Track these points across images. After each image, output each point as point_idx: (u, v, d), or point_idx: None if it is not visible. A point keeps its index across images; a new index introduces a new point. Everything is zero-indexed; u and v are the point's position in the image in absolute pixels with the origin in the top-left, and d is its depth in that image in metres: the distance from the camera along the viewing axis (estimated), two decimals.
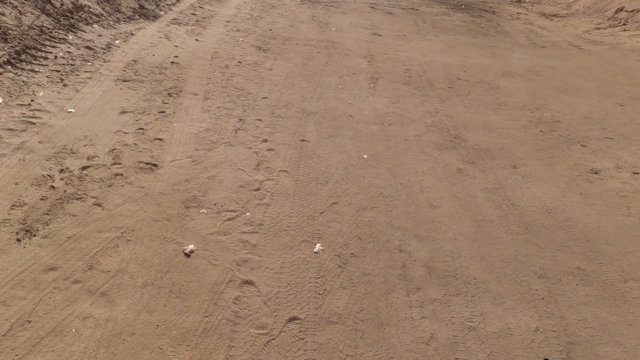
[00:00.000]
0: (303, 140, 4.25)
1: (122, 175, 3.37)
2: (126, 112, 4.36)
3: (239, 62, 6.29)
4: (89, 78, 4.89)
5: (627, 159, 4.36)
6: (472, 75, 6.84)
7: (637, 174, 4.06)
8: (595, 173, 4.07)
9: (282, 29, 8.67)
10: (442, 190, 3.59)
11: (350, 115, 4.93)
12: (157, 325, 2.17)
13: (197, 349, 2.08)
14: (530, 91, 6.28)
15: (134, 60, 5.67)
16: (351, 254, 2.80)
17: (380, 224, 3.10)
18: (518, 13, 13.29)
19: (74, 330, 2.11)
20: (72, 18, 6.16)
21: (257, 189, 3.37)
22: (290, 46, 7.50)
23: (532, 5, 14.50)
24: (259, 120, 4.56)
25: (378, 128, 4.68)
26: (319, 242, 2.86)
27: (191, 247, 2.71)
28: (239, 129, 4.31)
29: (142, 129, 4.10)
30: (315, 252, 2.78)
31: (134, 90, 4.86)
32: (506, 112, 5.45)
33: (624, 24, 10.03)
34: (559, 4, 13.80)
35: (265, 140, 4.15)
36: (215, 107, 4.76)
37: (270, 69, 6.20)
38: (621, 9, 10.76)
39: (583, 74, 7.18)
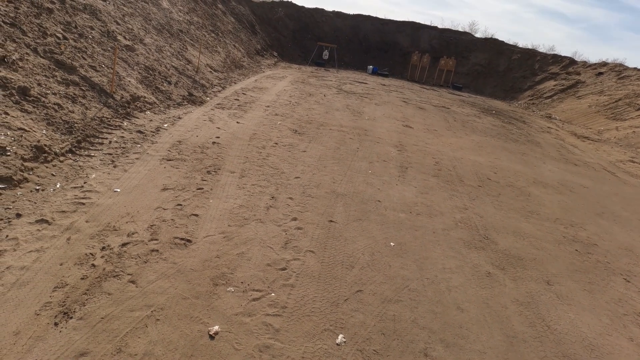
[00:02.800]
0: (331, 221, 4.32)
1: (157, 251, 3.42)
2: (167, 189, 4.53)
3: (275, 144, 6.66)
4: (137, 159, 5.20)
5: None
6: (503, 178, 6.94)
7: None
8: None
9: (317, 115, 9.25)
10: (470, 293, 3.49)
11: (379, 201, 5.02)
12: None
13: None
14: (564, 206, 6.17)
15: (179, 141, 6.08)
16: (374, 350, 2.70)
17: (405, 321, 3.01)
18: (549, 127, 13.70)
19: None
20: (129, 107, 6.81)
21: (284, 269, 3.38)
22: (324, 131, 7.94)
23: (563, 124, 14.97)
24: (290, 198, 4.70)
25: (406, 216, 4.72)
26: (341, 333, 2.79)
27: (216, 328, 2.68)
28: (270, 207, 4.44)
29: (180, 204, 4.23)
30: (337, 344, 2.69)
31: (177, 168, 5.12)
32: (538, 222, 5.37)
33: None
34: (590, 128, 14.23)
35: (295, 219, 4.24)
36: (250, 184, 4.96)
37: (304, 151, 6.51)
38: None
39: (620, 202, 6.93)
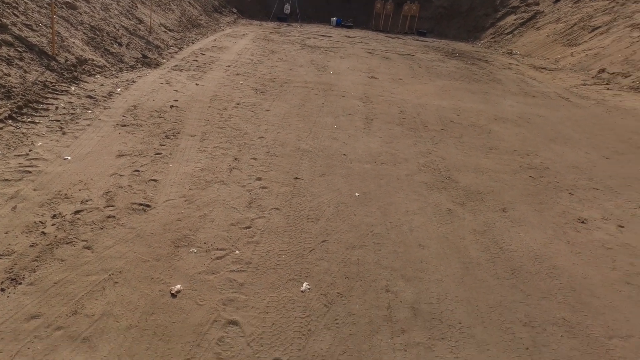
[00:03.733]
0: (296, 178, 4.35)
1: (114, 217, 3.41)
2: (123, 155, 4.46)
3: (237, 104, 6.52)
4: (89, 125, 5.03)
5: (613, 211, 4.38)
6: (465, 119, 7.07)
7: (622, 227, 4.08)
8: (582, 222, 4.10)
9: (281, 72, 9.04)
10: (431, 231, 3.65)
11: (344, 154, 5.07)
12: None
13: None
14: (521, 137, 6.47)
15: (134, 106, 5.87)
16: (338, 293, 2.82)
17: (368, 263, 3.14)
18: (510, 63, 13.83)
19: None
20: (76, 71, 6.45)
21: (248, 227, 3.43)
22: (288, 88, 7.80)
23: (523, 58, 15.19)
24: (254, 159, 4.69)
25: (371, 167, 4.79)
26: (306, 281, 2.89)
27: (178, 287, 2.74)
28: (233, 168, 4.42)
29: (138, 170, 4.19)
30: (302, 291, 2.80)
31: (132, 134, 5.00)
32: (497, 156, 5.60)
33: (607, 83, 10.55)
34: (547, 59, 14.50)
35: (259, 179, 4.25)
36: (212, 147, 4.90)
37: (268, 110, 6.42)
38: (603, 70, 11.35)
39: (572, 125, 7.40)
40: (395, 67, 11.14)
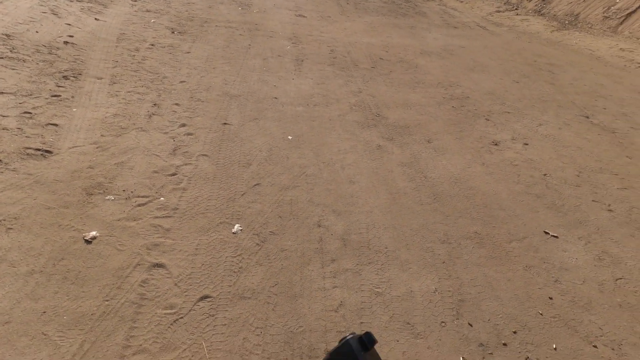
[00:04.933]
0: (225, 123, 4.19)
1: (1, 161, 3.11)
2: (3, 93, 3.98)
3: (152, 45, 5.99)
4: None
5: (520, 131, 4.86)
6: (394, 55, 7.14)
7: (527, 144, 4.57)
8: (496, 144, 4.49)
9: (199, 10, 8.36)
10: (362, 167, 3.75)
11: (275, 98, 4.94)
12: (44, 312, 2.08)
13: (92, 332, 2.02)
14: (445, 69, 6.74)
15: (7, 35, 5.14)
16: (270, 232, 2.85)
17: (301, 202, 3.18)
18: None
19: None
20: None
21: (174, 174, 3.29)
22: (209, 28, 7.28)
23: None
24: (177, 104, 4.42)
25: (303, 109, 4.74)
26: (238, 223, 2.88)
27: (93, 233, 2.60)
28: (153, 114, 4.14)
29: (29, 112, 3.79)
30: (233, 233, 2.79)
31: (13, 69, 4.42)
32: (423, 89, 5.79)
33: (516, 9, 11.14)
34: None
35: (184, 125, 4.03)
36: (125, 91, 4.52)
37: (189, 52, 5.98)
38: None
39: (488, 53, 7.88)
40: (323, 5, 10.79)
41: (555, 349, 2.29)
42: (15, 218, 2.63)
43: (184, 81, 5.00)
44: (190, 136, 3.87)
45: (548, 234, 3.19)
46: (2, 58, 4.56)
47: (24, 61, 4.66)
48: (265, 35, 7.36)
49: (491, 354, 2.21)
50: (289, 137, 4.11)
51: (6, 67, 4.40)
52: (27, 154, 3.25)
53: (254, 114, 4.46)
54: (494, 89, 6.05)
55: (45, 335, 1.98)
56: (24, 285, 2.20)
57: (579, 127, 5.12)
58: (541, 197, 3.66)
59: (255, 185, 3.31)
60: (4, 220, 2.60)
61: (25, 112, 3.77)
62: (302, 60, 6.36)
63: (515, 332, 2.35)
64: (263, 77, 5.52)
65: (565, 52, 8.47)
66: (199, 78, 5.16)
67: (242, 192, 3.21)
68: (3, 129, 3.47)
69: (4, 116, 3.64)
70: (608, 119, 5.41)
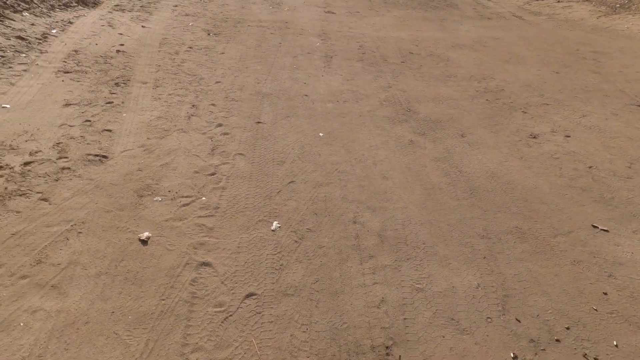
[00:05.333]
0: (258, 122, 4.25)
1: (69, 168, 3.28)
2: (70, 104, 4.20)
3: (190, 48, 6.13)
4: (25, 71, 4.63)
5: (561, 123, 4.65)
6: (424, 49, 6.99)
7: (568, 136, 4.37)
8: (534, 137, 4.33)
9: (233, 11, 8.48)
10: (394, 162, 3.72)
11: (306, 95, 4.96)
12: (113, 312, 2.19)
13: (154, 330, 2.12)
14: (478, 62, 6.53)
15: (75, 51, 5.42)
16: (307, 229, 2.88)
17: (335, 199, 3.19)
18: None
19: (22, 324, 2.09)
20: None
21: (213, 174, 3.37)
22: (242, 28, 7.36)
23: None
24: (213, 105, 4.51)
25: (333, 106, 4.74)
26: (275, 221, 2.93)
27: (147, 234, 2.71)
28: (192, 115, 4.25)
29: (89, 120, 3.98)
30: (272, 230, 2.84)
31: (78, 81, 4.67)
32: (455, 83, 5.65)
33: None
34: None
35: (220, 125, 4.12)
36: (167, 94, 4.66)
37: (223, 53, 6.09)
38: None
39: (524, 44, 7.55)
40: (352, 0, 10.68)
41: (616, 345, 2.20)
42: (83, 222, 2.77)
43: (219, 82, 5.10)
44: (226, 136, 3.95)
45: (597, 227, 3.06)
46: (70, 72, 4.84)
47: (85, 72, 4.91)
48: (295, 33, 7.37)
49: (544, 350, 2.16)
50: (320, 134, 4.12)
51: (72, 80, 4.66)
52: (89, 160, 3.42)
53: (285, 112, 4.50)
54: (531, 81, 5.82)
55: (116, 334, 2.09)
56: (94, 287, 2.33)
57: (630, 116, 4.85)
58: (587, 190, 3.51)
59: (289, 182, 3.35)
60: (75, 225, 2.75)
61: (86, 121, 3.97)
62: (331, 57, 6.34)
63: (568, 328, 2.27)
64: (293, 74, 5.54)
65: (614, 38, 7.99)
66: (232, 78, 5.25)
67: (278, 190, 3.25)
68: (70, 138, 3.66)
69: (71, 126, 3.85)
70: None
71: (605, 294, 2.50)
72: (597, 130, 4.49)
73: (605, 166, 3.85)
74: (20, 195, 2.94)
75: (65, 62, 5.08)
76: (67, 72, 4.84)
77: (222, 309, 2.25)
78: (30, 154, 3.36)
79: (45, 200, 2.93)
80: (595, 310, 2.39)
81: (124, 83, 4.81)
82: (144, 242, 2.66)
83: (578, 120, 4.72)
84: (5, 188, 2.97)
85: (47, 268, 2.41)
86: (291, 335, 2.14)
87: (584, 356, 2.12)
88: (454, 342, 2.16)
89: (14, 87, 4.28)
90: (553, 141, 4.27)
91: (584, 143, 4.23)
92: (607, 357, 2.13)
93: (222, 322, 2.18)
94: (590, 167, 3.82)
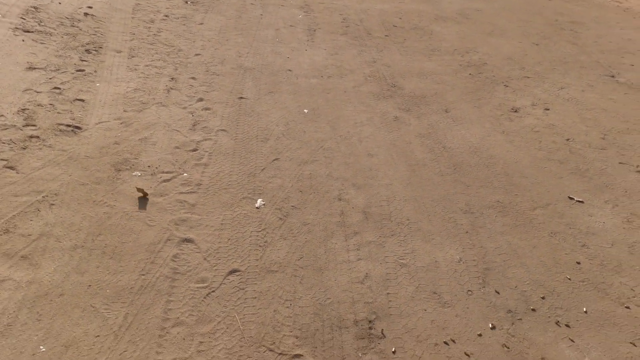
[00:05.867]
0: (241, 97, 4.12)
1: (38, 137, 3.14)
2: (35, 68, 3.96)
3: (166, 16, 5.83)
4: None
5: (541, 96, 4.68)
6: (407, 22, 6.85)
7: (548, 109, 4.41)
8: (515, 111, 4.35)
9: None
10: (379, 139, 3.68)
11: (289, 70, 4.82)
12: (89, 286, 2.14)
13: (133, 305, 2.08)
14: (461, 35, 6.45)
15: (34, 7, 5.05)
16: (292, 206, 2.84)
17: (320, 176, 3.15)
18: None
19: None
20: None
21: (195, 150, 3.27)
22: None
23: None
24: (193, 78, 4.34)
25: (317, 81, 4.62)
26: (260, 198, 2.87)
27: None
28: (171, 89, 4.08)
29: (58, 88, 3.78)
30: (256, 208, 2.79)
31: (42, 43, 4.39)
32: (439, 57, 5.58)
33: None
34: None
35: (201, 100, 3.98)
36: (143, 65, 4.44)
37: (202, 23, 5.82)
38: None
39: (507, 15, 7.50)
40: None
41: (585, 312, 2.28)
42: (55, 194, 2.67)
43: (199, 54, 4.90)
44: (207, 111, 3.81)
45: (573, 199, 3.13)
46: (31, 32, 4.52)
47: (50, 34, 4.61)
48: (276, 4, 7.10)
49: (520, 319, 2.22)
50: (305, 110, 4.03)
51: (35, 42, 4.37)
52: (60, 130, 3.26)
53: (269, 87, 4.37)
54: (512, 54, 5.81)
55: (93, 307, 2.04)
56: (70, 260, 2.26)
57: (604, 87, 4.91)
58: (564, 162, 3.57)
59: (274, 160, 3.28)
60: (47, 196, 2.64)
61: (55, 88, 3.77)
62: (315, 30, 6.15)
63: (543, 298, 2.34)
64: (276, 48, 5.36)
65: (590, 7, 8.02)
66: (213, 50, 5.04)
67: (262, 167, 3.18)
68: (38, 105, 3.48)
69: (37, 92, 3.65)
70: (636, 76, 5.17)
71: (579, 263, 2.58)
72: (574, 102, 4.55)
73: (582, 138, 3.91)
74: None
75: (24, 18, 4.72)
76: (28, 32, 4.52)
77: (205, 284, 2.21)
78: None
79: (11, 168, 2.80)
80: (569, 279, 2.46)
81: (95, 50, 4.55)
82: (125, 215, 2.57)
83: (557, 92, 4.76)
84: None
85: (15, 238, 2.32)
86: (274, 311, 2.12)
87: (556, 323, 2.20)
88: (436, 315, 2.19)
89: None
90: (533, 114, 4.30)
91: (562, 116, 4.28)
92: (577, 323, 2.22)
93: (204, 297, 2.14)
94: (567, 140, 3.88)
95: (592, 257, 2.63)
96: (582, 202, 3.10)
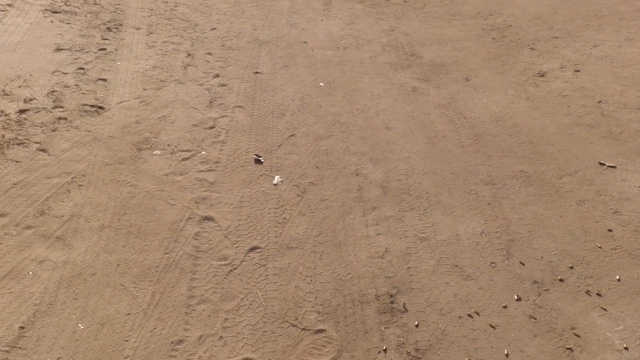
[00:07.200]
0: (257, 72, 4.02)
1: (66, 119, 3.17)
2: (62, 49, 3.99)
3: None
4: (10, 6, 4.33)
5: (571, 57, 4.34)
6: None
7: (578, 71, 4.08)
8: (542, 76, 4.06)
9: None
10: (397, 112, 3.54)
11: (305, 42, 4.65)
12: (118, 265, 2.17)
13: (160, 283, 2.10)
14: None
15: None
16: (309, 182, 2.78)
17: (337, 151, 3.07)
18: None
19: (31, 273, 2.09)
20: None
21: (212, 127, 3.23)
22: None
23: None
24: (209, 54, 4.25)
25: (333, 53, 4.45)
26: (277, 175, 2.82)
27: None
28: (188, 65, 4.02)
29: (83, 68, 3.79)
30: (274, 184, 2.75)
31: (68, 24, 4.39)
32: (460, 22, 5.26)
33: None
34: None
35: (217, 76, 3.90)
36: (161, 42, 4.38)
37: None
38: None
39: None
40: None
41: (619, 280, 2.17)
42: (83, 175, 2.71)
43: (215, 28, 4.78)
44: (224, 87, 3.74)
45: (604, 164, 2.94)
46: (59, 12, 4.54)
47: (75, 14, 4.62)
48: None
49: (547, 290, 2.13)
50: (321, 83, 3.90)
51: (62, 22, 4.38)
52: (85, 111, 3.29)
53: (284, 61, 4.24)
54: (540, 13, 5.36)
55: (123, 286, 2.08)
56: (99, 240, 2.30)
57: None
58: (595, 126, 3.34)
59: (290, 136, 3.20)
60: (75, 177, 2.68)
61: (80, 68, 3.79)
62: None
63: (572, 267, 2.24)
64: (291, 19, 5.18)
65: None
66: (228, 24, 4.91)
67: (279, 144, 3.12)
68: (65, 87, 3.51)
69: (64, 73, 3.67)
70: None
71: (610, 230, 2.44)
72: (609, 60, 4.19)
73: (616, 99, 3.63)
74: (19, 144, 2.86)
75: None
76: (56, 12, 4.54)
77: (227, 262, 2.21)
78: (25, 101, 3.23)
79: (43, 150, 2.85)
80: (600, 247, 2.34)
81: (115, 28, 4.52)
82: (147, 195, 2.59)
83: (589, 51, 4.39)
84: (3, 136, 2.88)
85: (50, 219, 2.38)
86: (296, 287, 2.11)
87: (586, 292, 2.10)
88: (458, 288, 2.13)
89: (0, 24, 4.02)
90: (561, 78, 4.01)
91: (594, 76, 3.96)
92: (610, 291, 2.11)
93: (226, 275, 2.15)
94: (599, 102, 3.61)
95: (626, 223, 2.49)
96: (614, 167, 2.91)
